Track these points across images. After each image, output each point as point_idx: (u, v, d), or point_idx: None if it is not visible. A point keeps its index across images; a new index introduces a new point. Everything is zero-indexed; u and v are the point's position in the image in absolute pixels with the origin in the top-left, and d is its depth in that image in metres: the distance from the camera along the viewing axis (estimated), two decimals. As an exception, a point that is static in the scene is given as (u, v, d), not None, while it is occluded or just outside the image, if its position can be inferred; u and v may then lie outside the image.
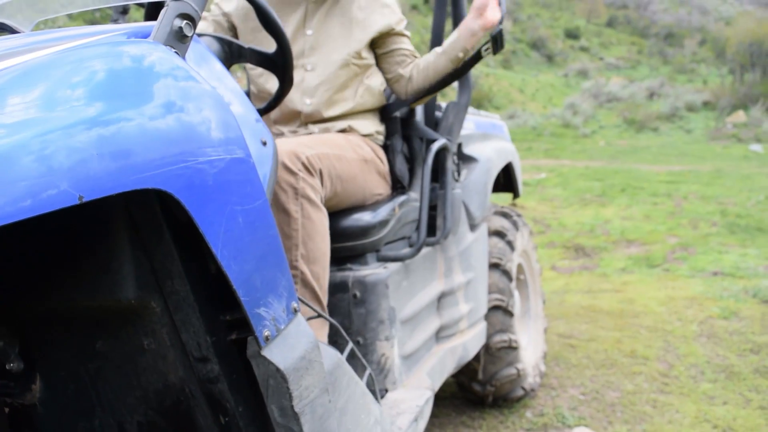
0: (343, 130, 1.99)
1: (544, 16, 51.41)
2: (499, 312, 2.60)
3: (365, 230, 1.78)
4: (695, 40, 55.17)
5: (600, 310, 4.19)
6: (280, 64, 1.41)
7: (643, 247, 6.66)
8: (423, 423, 1.75)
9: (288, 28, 1.97)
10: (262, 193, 1.03)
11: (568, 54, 45.68)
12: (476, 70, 26.81)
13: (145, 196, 0.92)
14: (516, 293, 2.83)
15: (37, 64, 0.77)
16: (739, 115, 26.87)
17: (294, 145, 1.63)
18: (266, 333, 1.03)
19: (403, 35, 2.12)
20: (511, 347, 2.63)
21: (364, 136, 2.01)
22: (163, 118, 0.85)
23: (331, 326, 1.53)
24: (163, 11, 0.99)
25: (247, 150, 1.01)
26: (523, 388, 2.77)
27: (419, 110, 2.20)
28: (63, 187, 0.69)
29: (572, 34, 49.98)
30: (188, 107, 0.91)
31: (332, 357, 1.23)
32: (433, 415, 2.69)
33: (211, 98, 0.97)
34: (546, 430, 2.47)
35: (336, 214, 1.79)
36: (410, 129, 2.13)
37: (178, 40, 0.99)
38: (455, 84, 2.25)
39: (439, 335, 2.21)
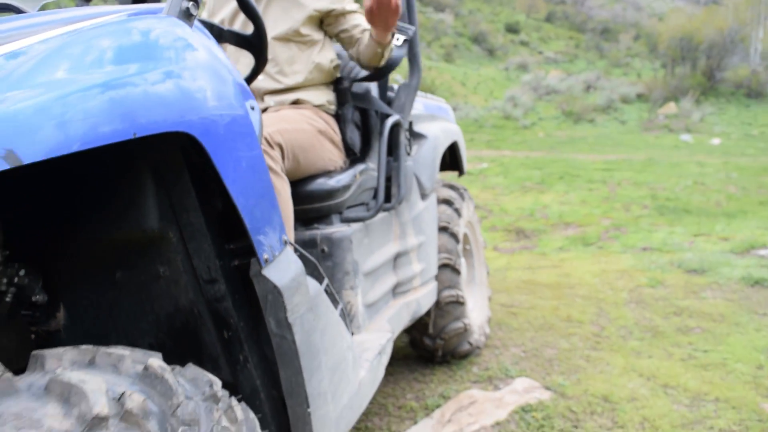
0: (296, 102, 2.19)
1: (485, 10, 52.09)
2: (447, 270, 2.84)
3: (330, 193, 1.99)
4: (630, 35, 56.69)
5: (539, 283, 4.48)
6: (257, 44, 1.61)
7: (579, 229, 7.03)
8: (386, 358, 1.98)
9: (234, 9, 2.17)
10: (257, 145, 1.24)
11: (508, 48, 46.44)
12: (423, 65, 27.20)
13: (166, 143, 1.12)
14: (463, 260, 3.08)
15: (94, 33, 0.97)
16: (671, 107, 27.91)
17: None
18: (265, 256, 1.25)
19: (348, 14, 2.28)
20: (459, 302, 2.88)
21: (316, 107, 2.21)
22: (190, 78, 1.07)
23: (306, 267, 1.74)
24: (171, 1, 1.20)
25: (246, 109, 1.22)
26: (470, 343, 3.02)
27: (373, 87, 2.42)
28: (120, 126, 0.89)
29: (512, 29, 50.75)
30: (205, 70, 1.12)
31: (313, 286, 1.45)
32: (388, 373, 2.92)
33: (220, 64, 1.18)
34: (491, 382, 2.72)
35: (304, 180, 2.00)
36: (367, 102, 2.34)
37: (187, 18, 1.18)
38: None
39: (396, 291, 2.45)
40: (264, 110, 2.19)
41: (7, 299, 1.16)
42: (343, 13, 2.28)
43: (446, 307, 2.84)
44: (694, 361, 3.01)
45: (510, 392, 2.49)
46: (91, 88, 0.88)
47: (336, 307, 1.60)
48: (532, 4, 55.82)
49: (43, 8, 1.74)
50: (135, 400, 0.83)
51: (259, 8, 2.12)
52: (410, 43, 2.47)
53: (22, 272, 1.19)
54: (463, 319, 2.90)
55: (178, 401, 0.91)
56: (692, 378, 2.78)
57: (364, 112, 2.36)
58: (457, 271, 2.86)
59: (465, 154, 3.48)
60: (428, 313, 2.82)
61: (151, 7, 1.23)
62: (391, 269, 2.35)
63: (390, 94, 2.52)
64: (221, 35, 1.55)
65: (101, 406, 0.79)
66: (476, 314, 3.19)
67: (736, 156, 18.23)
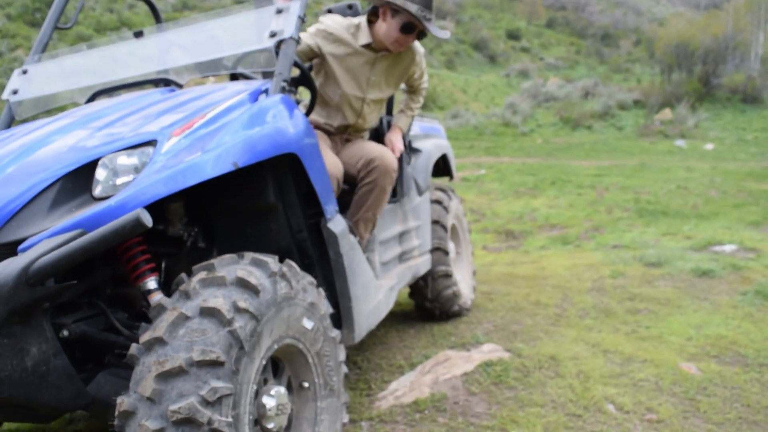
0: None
1: (486, 17, 52.64)
2: (439, 251, 3.75)
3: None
4: (630, 40, 57.19)
5: (517, 275, 5.14)
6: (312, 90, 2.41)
7: (563, 230, 7.69)
8: (394, 294, 2.92)
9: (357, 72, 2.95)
10: (321, 156, 2.17)
11: (509, 54, 46.98)
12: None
13: (280, 161, 2.04)
14: (451, 243, 4.01)
15: (247, 111, 1.93)
16: (666, 113, 28.51)
17: None
18: (328, 217, 2.20)
19: (424, 71, 3.27)
20: (448, 275, 3.77)
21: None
22: (289, 127, 1.96)
23: None
24: (275, 81, 2.12)
25: (317, 140, 2.07)
26: (459, 305, 3.91)
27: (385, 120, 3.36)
28: (264, 151, 1.80)
29: (513, 35, 51.24)
30: (295, 121, 2.03)
31: (352, 237, 2.39)
32: (382, 341, 3.59)
33: (301, 117, 2.10)
34: (464, 346, 3.37)
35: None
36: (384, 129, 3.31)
37: (283, 92, 2.11)
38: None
39: (402, 257, 3.26)
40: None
41: (188, 245, 2.09)
42: (422, 71, 3.23)
43: (439, 278, 3.75)
44: (636, 334, 3.67)
45: (477, 353, 3.16)
46: (250, 134, 1.68)
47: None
48: (532, 10, 56.29)
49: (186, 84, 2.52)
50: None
51: (366, 73, 2.93)
52: None
53: (195, 230, 2.10)
54: (453, 287, 3.82)
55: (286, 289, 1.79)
56: (630, 346, 3.43)
57: (379, 136, 3.20)
58: (446, 252, 3.78)
59: (454, 162, 4.28)
60: (426, 283, 3.73)
61: (263, 84, 2.13)
62: (397, 242, 3.20)
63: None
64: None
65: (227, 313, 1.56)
66: (463, 284, 4.10)
67: (727, 161, 18.82)
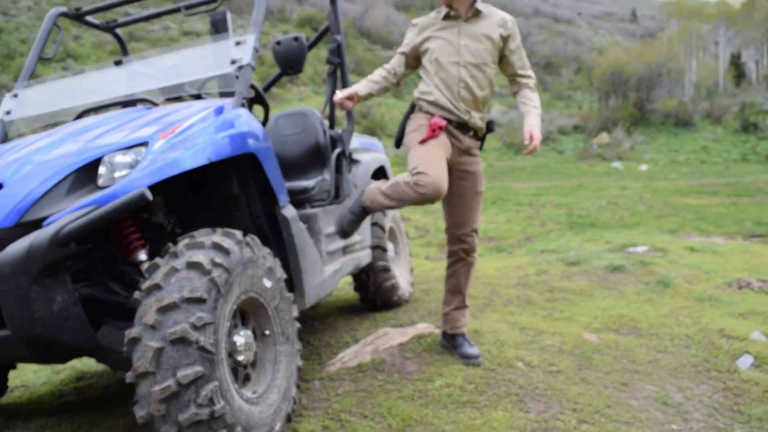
0: None
1: (430, 48, 53.54)
2: (378, 249, 4.28)
3: (306, 191, 3.35)
4: (571, 68, 59.19)
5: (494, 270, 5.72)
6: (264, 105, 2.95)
7: (499, 242, 8.33)
8: (339, 276, 3.48)
9: None
10: (274, 156, 2.64)
11: (454, 83, 47.90)
12: (370, 101, 28.82)
13: (241, 158, 2.50)
14: (390, 243, 4.58)
15: (215, 120, 2.42)
16: (604, 137, 29.81)
17: None
18: (281, 205, 2.68)
19: None
20: (386, 269, 4.31)
21: None
22: (250, 131, 2.44)
23: None
24: (236, 99, 2.60)
25: (269, 143, 2.55)
26: (398, 296, 4.45)
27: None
28: (226, 151, 2.18)
29: (457, 65, 52.09)
30: (254, 126, 2.50)
31: (301, 224, 2.88)
32: (332, 327, 4.10)
33: (258, 123, 2.58)
34: (401, 326, 3.90)
35: (294, 183, 3.39)
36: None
37: (241, 105, 2.55)
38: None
39: (345, 250, 3.77)
40: None
41: (167, 231, 2.57)
42: (517, 43, 3.31)
43: (379, 272, 4.28)
44: (551, 317, 4.25)
45: (412, 329, 3.69)
46: (218, 138, 2.17)
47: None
48: None
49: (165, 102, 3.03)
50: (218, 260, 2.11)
51: (455, 38, 3.15)
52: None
53: (173, 219, 2.59)
54: (392, 280, 4.36)
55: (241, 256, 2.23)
56: (543, 324, 4.01)
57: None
58: (384, 249, 4.32)
59: (391, 173, 4.78)
60: (368, 276, 4.27)
61: (225, 102, 2.55)
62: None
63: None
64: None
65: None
66: (401, 279, 4.67)
67: (659, 180, 19.89)
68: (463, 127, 3.21)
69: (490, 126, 3.34)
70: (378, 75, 3.29)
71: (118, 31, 4.24)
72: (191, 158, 2.23)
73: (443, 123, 3.09)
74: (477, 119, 3.22)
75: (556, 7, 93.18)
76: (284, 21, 54.03)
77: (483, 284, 5.25)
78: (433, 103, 3.16)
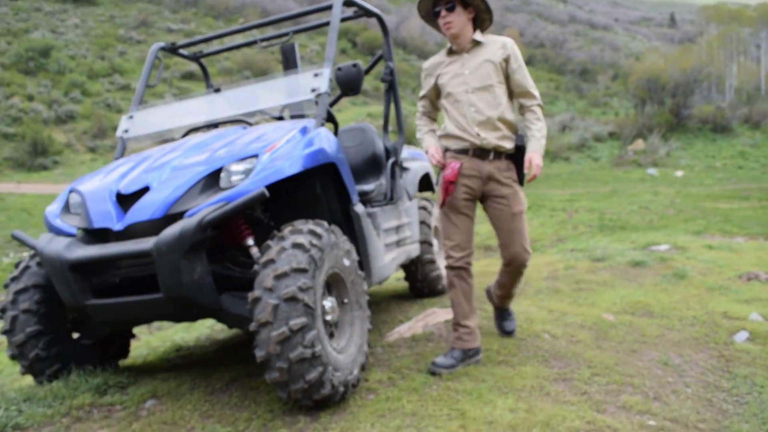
0: None
1: (466, 57, 53.97)
2: (425, 243, 4.94)
3: (367, 193, 4.00)
4: (608, 75, 59.09)
5: (489, 271, 6.35)
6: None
7: (532, 243, 8.93)
8: (395, 264, 4.13)
9: None
10: (348, 166, 3.36)
11: (490, 92, 48.22)
12: (407, 111, 29.54)
13: (324, 168, 3.25)
14: (435, 239, 5.19)
15: (301, 137, 3.13)
16: (639, 143, 30.10)
17: None
18: (354, 202, 3.39)
19: None
20: (432, 261, 4.98)
21: None
22: (329, 145, 3.16)
23: None
24: (317, 120, 3.34)
25: (343, 154, 3.27)
26: (442, 285, 5.12)
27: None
28: (312, 162, 2.90)
29: (493, 74, 52.29)
30: (331, 141, 3.21)
31: (368, 220, 3.58)
32: (386, 310, 4.78)
33: (334, 138, 3.29)
34: (446, 308, 4.56)
35: (357, 187, 4.06)
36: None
37: (322, 125, 3.25)
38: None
39: (399, 243, 4.41)
40: None
41: (264, 224, 3.25)
42: (519, 63, 3.55)
43: (426, 264, 4.97)
44: (575, 302, 4.89)
45: (455, 310, 4.37)
46: (307, 152, 2.89)
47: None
48: None
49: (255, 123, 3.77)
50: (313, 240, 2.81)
51: (460, 70, 3.49)
52: (399, 114, 4.50)
53: (269, 215, 3.29)
54: (437, 271, 5.03)
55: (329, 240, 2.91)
56: (568, 307, 4.65)
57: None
58: (430, 244, 4.98)
59: (435, 180, 5.48)
60: (417, 267, 4.94)
61: (307, 122, 3.25)
62: (395, 232, 4.32)
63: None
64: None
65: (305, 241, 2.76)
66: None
67: (694, 186, 20.24)
68: (480, 152, 3.43)
69: (519, 146, 3.46)
70: (428, 125, 3.71)
71: (202, 60, 5.01)
72: (290, 167, 2.94)
73: (454, 173, 3.40)
74: (492, 139, 3.40)
75: (592, 14, 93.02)
76: (321, 34, 55.17)
77: (517, 277, 5.90)
78: (447, 136, 3.51)
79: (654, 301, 4.79)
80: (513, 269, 3.63)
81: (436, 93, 3.61)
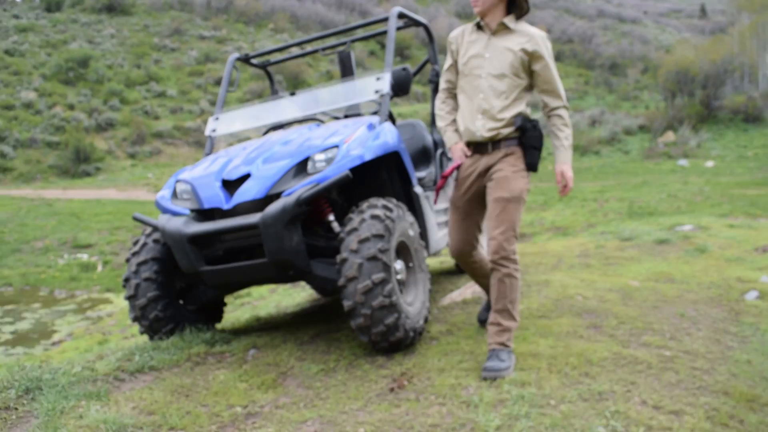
0: None
1: (494, 55, 54.27)
2: None
3: (420, 180, 4.63)
4: (637, 68, 58.93)
5: (527, 252, 6.96)
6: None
7: (564, 229, 9.52)
8: (445, 241, 4.59)
9: None
10: (408, 154, 3.98)
11: (519, 89, 48.53)
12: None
13: (388, 154, 3.87)
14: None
15: (373, 130, 3.79)
16: (669, 135, 30.32)
17: None
18: (414, 184, 4.03)
19: None
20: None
21: None
22: (392, 137, 3.76)
23: None
24: (381, 117, 3.96)
25: (404, 144, 3.91)
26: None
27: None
28: (382, 150, 3.57)
29: (522, 70, 52.56)
30: (394, 134, 3.83)
31: (425, 197, 4.21)
32: (437, 282, 5.43)
33: (395, 131, 3.87)
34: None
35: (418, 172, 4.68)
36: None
37: (387, 119, 3.90)
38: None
39: (446, 224, 4.99)
40: None
41: (339, 203, 3.94)
42: (545, 62, 3.36)
43: None
44: (605, 273, 5.48)
45: (499, 280, 5.00)
46: (377, 143, 3.55)
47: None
48: None
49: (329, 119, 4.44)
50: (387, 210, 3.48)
51: (481, 50, 3.37)
52: None
53: (343, 196, 3.96)
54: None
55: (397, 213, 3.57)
56: (599, 277, 5.25)
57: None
58: None
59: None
60: None
61: (373, 118, 3.90)
62: (444, 213, 4.89)
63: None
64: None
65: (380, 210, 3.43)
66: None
67: (725, 175, 20.54)
68: (477, 146, 3.40)
69: (521, 127, 3.29)
70: (451, 114, 3.55)
71: (269, 68, 5.70)
72: (365, 155, 3.60)
73: (450, 169, 3.43)
74: (486, 131, 3.31)
75: (621, 7, 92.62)
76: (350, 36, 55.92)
77: (551, 256, 6.51)
78: (458, 131, 3.53)
79: (676, 271, 5.37)
80: (491, 268, 3.33)
81: (457, 70, 3.51)
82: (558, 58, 60.51)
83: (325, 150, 3.63)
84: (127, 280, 4.01)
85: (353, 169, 3.74)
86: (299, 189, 3.45)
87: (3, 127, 30.32)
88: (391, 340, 3.42)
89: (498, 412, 2.62)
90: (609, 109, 38.77)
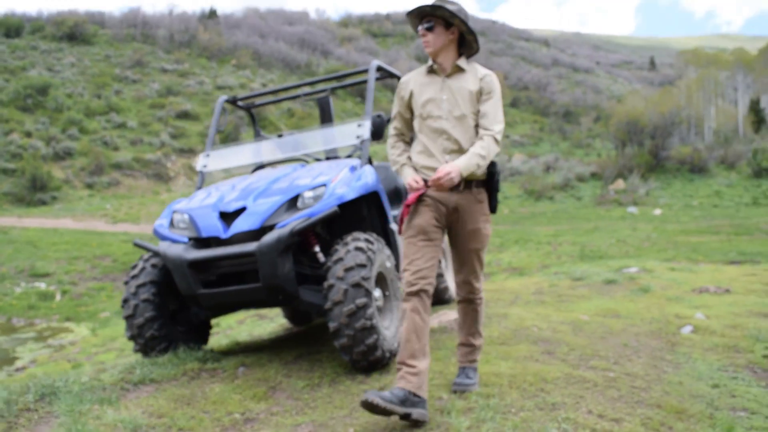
0: None
1: (453, 99, 55.55)
2: None
3: (394, 217, 5.09)
4: (590, 117, 60.88)
5: (486, 290, 7.44)
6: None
7: (520, 269, 10.06)
8: None
9: None
10: (385, 193, 4.40)
11: (476, 133, 49.72)
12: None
13: (369, 196, 4.28)
14: (442, 259, 6.16)
15: (355, 173, 4.22)
16: (620, 183, 31.54)
17: None
18: (390, 221, 4.45)
19: None
20: (440, 275, 6.03)
21: None
22: (372, 178, 4.21)
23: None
24: (362, 160, 4.41)
25: (382, 186, 4.36)
26: (449, 296, 6.15)
27: None
28: (361, 191, 3.98)
29: (479, 115, 53.85)
30: (374, 177, 4.28)
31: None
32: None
33: (375, 173, 4.32)
34: (454, 311, 5.64)
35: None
36: None
37: (367, 162, 4.34)
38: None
39: None
40: None
41: (322, 236, 4.33)
42: (490, 91, 3.41)
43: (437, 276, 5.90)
44: (558, 309, 5.99)
45: (462, 311, 5.47)
46: (359, 183, 4.00)
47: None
48: None
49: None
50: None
51: (437, 93, 3.36)
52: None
53: (326, 230, 4.38)
54: (444, 284, 6.11)
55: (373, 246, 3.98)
56: (552, 312, 5.74)
57: None
58: (439, 261, 5.93)
59: None
60: None
61: (354, 161, 4.37)
62: None
63: None
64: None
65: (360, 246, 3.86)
66: (450, 283, 6.32)
67: (671, 223, 21.51)
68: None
69: (492, 173, 3.35)
70: (404, 154, 3.47)
71: (252, 110, 6.15)
72: (350, 194, 4.05)
73: (413, 198, 3.28)
74: None
75: (575, 57, 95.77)
76: (311, 74, 56.77)
77: (508, 293, 7.02)
78: (416, 165, 3.40)
79: (621, 308, 5.90)
80: (462, 302, 3.55)
81: (410, 111, 3.48)
82: (514, 104, 62.24)
83: (314, 188, 4.08)
84: (126, 300, 4.35)
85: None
86: (292, 222, 3.87)
87: (-43, 152, 29.97)
88: (371, 359, 3.83)
89: (467, 417, 3.05)
90: (563, 155, 40.09)
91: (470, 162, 3.18)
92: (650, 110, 37.44)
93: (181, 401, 3.50)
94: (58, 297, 15.64)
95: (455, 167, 3.13)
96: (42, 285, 16.45)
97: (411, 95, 3.43)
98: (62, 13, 59.99)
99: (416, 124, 3.42)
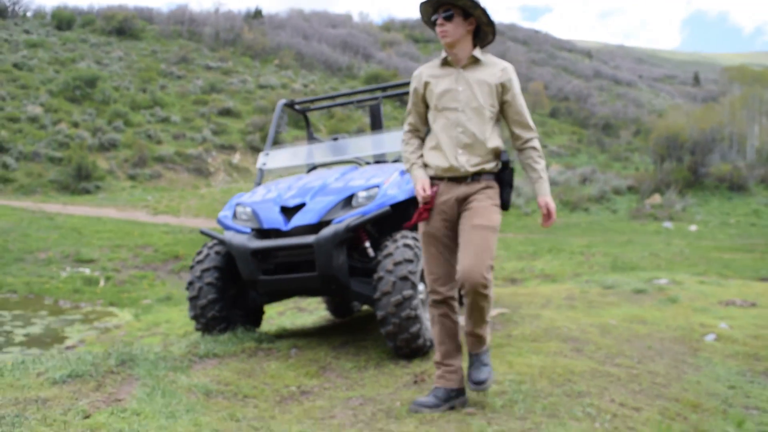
0: None
1: (491, 106, 55.62)
2: None
3: None
4: (630, 130, 60.46)
5: (519, 293, 7.78)
6: None
7: (552, 276, 10.35)
8: None
9: None
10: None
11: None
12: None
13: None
14: None
15: (399, 177, 4.58)
16: (656, 198, 31.45)
17: None
18: None
19: None
20: None
21: None
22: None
23: None
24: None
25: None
26: None
27: None
28: (408, 193, 4.36)
29: (517, 124, 53.88)
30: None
31: None
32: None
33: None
34: (488, 311, 5.99)
35: None
36: None
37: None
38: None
39: None
40: None
41: (371, 234, 4.68)
42: (513, 93, 3.37)
43: None
44: (587, 314, 6.30)
45: (496, 310, 5.80)
46: (409, 186, 4.38)
47: None
48: (536, 100, 58.88)
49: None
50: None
51: (453, 85, 3.29)
52: None
53: (376, 229, 4.74)
54: None
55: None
56: (581, 316, 6.06)
57: None
58: None
59: None
60: None
61: (399, 165, 4.73)
62: None
63: None
64: None
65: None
66: None
67: (706, 239, 21.53)
68: (457, 178, 3.27)
69: (505, 162, 3.33)
70: (417, 152, 3.44)
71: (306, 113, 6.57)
72: (400, 195, 4.42)
73: (417, 220, 3.35)
74: (470, 166, 3.24)
75: (617, 70, 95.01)
76: (352, 77, 57.35)
77: (540, 297, 7.34)
78: (428, 165, 3.35)
79: (648, 315, 6.19)
80: (467, 294, 3.18)
81: (425, 105, 3.42)
82: (553, 114, 62.08)
83: (368, 189, 4.46)
84: (191, 283, 4.78)
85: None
86: (348, 218, 4.27)
87: (7, 138, 30.94)
88: (413, 347, 4.21)
89: (501, 398, 3.41)
90: (600, 168, 40.01)
91: (547, 184, 3.34)
92: (691, 126, 37.20)
93: (243, 373, 3.91)
94: (102, 283, 16.24)
95: (549, 197, 3.30)
96: (87, 270, 17.07)
97: (426, 87, 3.35)
98: (112, 7, 61.39)
99: (431, 116, 3.36)
